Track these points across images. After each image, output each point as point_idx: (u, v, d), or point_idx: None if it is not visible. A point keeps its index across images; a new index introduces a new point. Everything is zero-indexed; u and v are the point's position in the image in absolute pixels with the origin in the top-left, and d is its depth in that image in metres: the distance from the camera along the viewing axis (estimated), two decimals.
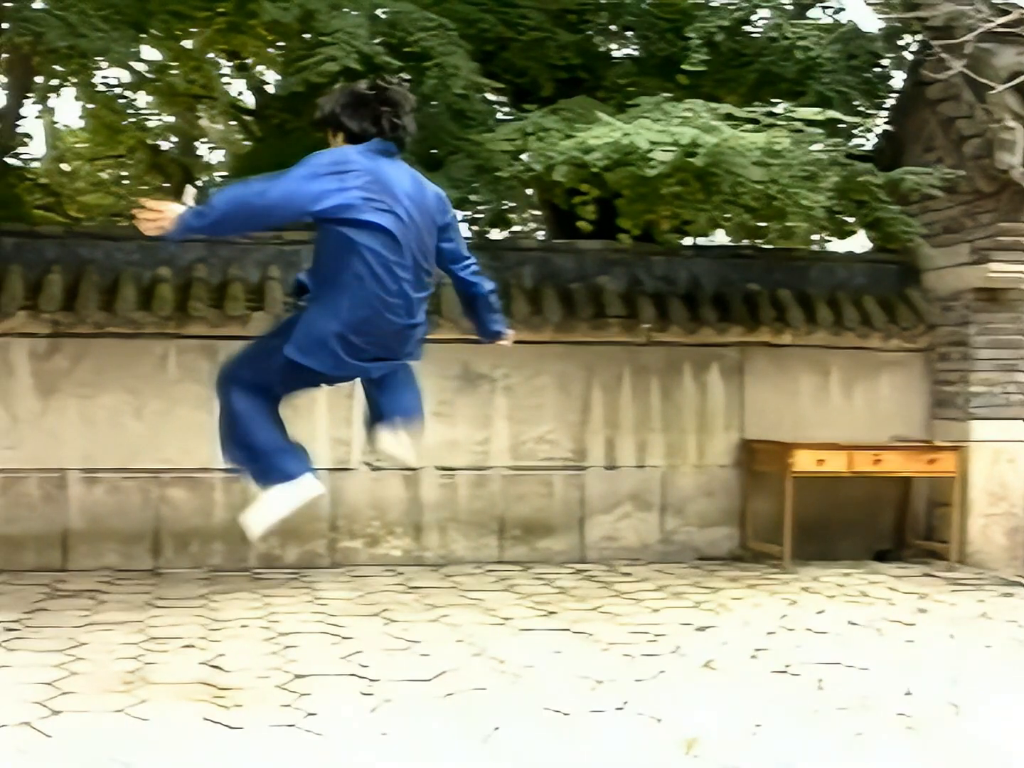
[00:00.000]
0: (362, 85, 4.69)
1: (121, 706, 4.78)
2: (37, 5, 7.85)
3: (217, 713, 4.70)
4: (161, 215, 4.31)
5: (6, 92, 9.65)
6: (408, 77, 8.56)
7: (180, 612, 6.65)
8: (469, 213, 10.21)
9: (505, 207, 10.47)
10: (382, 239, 4.42)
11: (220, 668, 5.40)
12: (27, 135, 11.46)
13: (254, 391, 4.68)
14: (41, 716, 4.62)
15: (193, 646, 5.84)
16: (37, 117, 12.55)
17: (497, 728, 4.56)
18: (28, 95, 10.42)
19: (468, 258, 4.93)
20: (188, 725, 4.55)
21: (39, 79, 10.71)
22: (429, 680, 5.26)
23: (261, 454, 4.69)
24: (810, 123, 7.80)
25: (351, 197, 4.38)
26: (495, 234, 10.81)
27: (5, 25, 8.27)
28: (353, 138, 4.59)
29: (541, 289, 8.65)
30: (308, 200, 4.36)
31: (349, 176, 4.39)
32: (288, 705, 4.82)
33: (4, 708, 4.71)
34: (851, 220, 9.08)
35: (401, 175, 4.57)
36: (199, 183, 13.11)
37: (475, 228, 9.94)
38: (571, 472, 8.69)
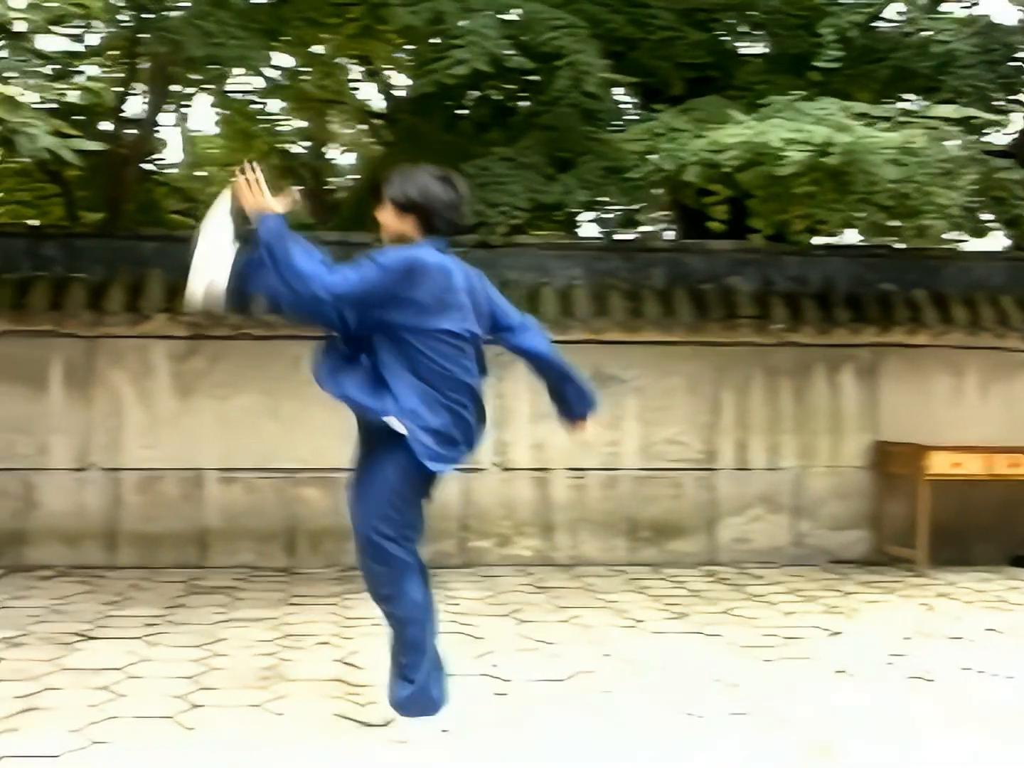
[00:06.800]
0: (449, 182, 4.54)
1: (258, 701, 4.88)
2: (175, 15, 8.02)
3: (351, 710, 4.77)
4: (256, 192, 4.31)
5: (145, 101, 9.86)
6: (538, 78, 8.72)
7: (315, 610, 6.75)
8: (598, 214, 10.21)
9: (634, 208, 10.44)
10: (453, 333, 4.41)
11: (354, 665, 5.48)
12: (163, 142, 11.71)
13: (414, 569, 4.49)
14: (182, 710, 4.73)
15: (328, 643, 5.93)
16: (175, 125, 12.80)
17: (631, 729, 4.56)
18: (166, 102, 10.63)
19: (524, 320, 4.80)
20: (323, 721, 4.63)
21: (175, 87, 10.92)
22: (562, 681, 5.28)
23: (426, 669, 4.43)
24: (946, 120, 7.66)
25: (424, 302, 4.33)
26: (624, 235, 10.79)
27: (145, 35, 8.46)
28: (426, 231, 4.50)
29: (672, 290, 8.60)
30: (383, 310, 4.33)
31: (422, 279, 4.34)
32: None
33: (148, 701, 4.84)
34: (989, 218, 8.90)
35: (456, 268, 4.53)
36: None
37: (604, 229, 9.92)
38: (701, 473, 8.64)
